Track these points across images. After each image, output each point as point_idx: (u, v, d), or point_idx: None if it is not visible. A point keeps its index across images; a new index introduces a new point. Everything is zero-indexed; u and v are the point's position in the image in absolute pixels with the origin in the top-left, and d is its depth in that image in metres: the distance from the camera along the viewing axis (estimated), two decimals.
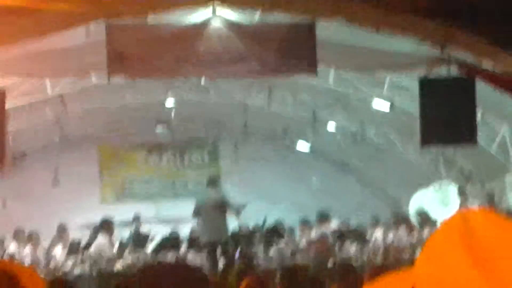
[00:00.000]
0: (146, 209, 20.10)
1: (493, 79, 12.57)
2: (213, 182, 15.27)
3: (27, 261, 14.77)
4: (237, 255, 14.80)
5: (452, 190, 18.13)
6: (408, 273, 1.36)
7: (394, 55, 13.31)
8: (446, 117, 12.88)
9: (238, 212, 14.71)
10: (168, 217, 21.24)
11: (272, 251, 16.27)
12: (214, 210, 14.24)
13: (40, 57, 12.41)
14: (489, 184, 18.15)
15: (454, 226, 1.30)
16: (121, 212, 18.45)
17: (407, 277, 1.35)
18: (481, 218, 1.30)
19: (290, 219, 18.62)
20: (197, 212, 14.55)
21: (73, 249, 15.35)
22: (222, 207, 14.32)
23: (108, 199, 22.56)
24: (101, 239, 14.54)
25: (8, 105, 12.57)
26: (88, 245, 15.08)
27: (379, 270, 6.37)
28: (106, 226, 14.78)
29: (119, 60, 11.81)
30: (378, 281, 1.45)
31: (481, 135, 14.83)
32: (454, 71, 12.96)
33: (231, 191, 17.10)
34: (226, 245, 14.44)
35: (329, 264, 14.55)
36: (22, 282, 1.52)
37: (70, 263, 15.13)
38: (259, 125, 21.16)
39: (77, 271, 14.89)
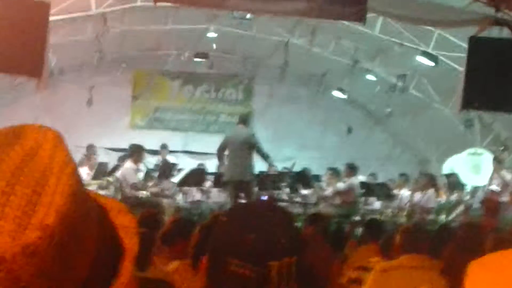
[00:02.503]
0: (174, 140, 20.10)
1: None
2: (244, 120, 14.97)
3: None
4: (262, 197, 14.66)
5: (486, 158, 17.82)
6: None
7: (447, 10, 12.96)
8: (492, 81, 12.56)
9: (267, 156, 14.40)
10: (196, 151, 21.26)
11: (297, 197, 16.21)
12: (241, 148, 13.97)
13: None
14: None
15: None
16: (149, 140, 18.44)
17: None
18: None
19: (318, 166, 18.53)
20: (223, 148, 14.27)
21: (100, 171, 15.31)
22: (250, 146, 14.07)
23: (137, 124, 22.59)
24: (129, 164, 14.45)
25: (51, 18, 12.43)
26: (115, 169, 15.03)
27: (410, 230, 6.28)
28: (135, 152, 14.65)
29: None
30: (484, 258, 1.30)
31: None
32: (506, 33, 12.61)
33: (262, 131, 16.99)
34: (249, 186, 14.22)
35: (354, 217, 14.47)
36: (113, 218, 1.39)
37: (95, 185, 15.11)
38: (298, 66, 20.92)
39: (100, 194, 14.85)
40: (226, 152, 14.30)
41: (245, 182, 14.03)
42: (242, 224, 2.12)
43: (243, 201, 14.04)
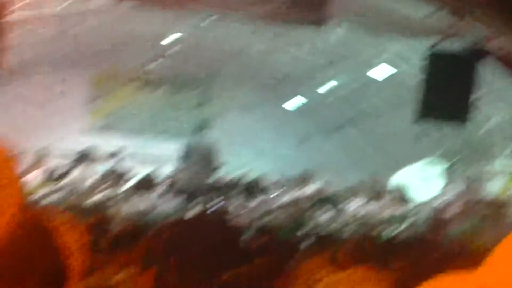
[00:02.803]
0: (129, 144, 19.95)
1: (503, 60, 12.40)
2: (203, 126, 15.02)
3: None
4: (214, 207, 14.64)
5: (437, 169, 18.02)
6: (472, 274, 1.23)
7: (407, 20, 13.09)
8: (448, 92, 12.72)
9: (221, 164, 14.40)
10: (151, 155, 21.14)
11: (249, 206, 16.19)
12: (201, 155, 13.99)
13: None
14: (473, 168, 18.09)
15: None
16: (103, 144, 18.29)
17: (471, 279, 1.23)
18: None
19: (271, 175, 18.56)
20: (184, 153, 14.28)
21: (49, 177, 15.13)
22: (210, 153, 14.08)
23: (93, 128, 22.38)
24: (79, 170, 14.33)
25: (9, 18, 12.31)
26: (64, 174, 14.87)
27: (359, 242, 6.31)
28: (86, 157, 14.55)
29: None
30: (436, 281, 1.32)
31: (473, 118, 14.66)
32: (464, 46, 12.75)
33: (217, 138, 16.95)
34: (205, 193, 14.19)
35: (300, 229, 14.49)
36: (60, 235, 1.39)
37: (43, 190, 14.87)
38: (255, 74, 20.95)
39: (49, 200, 14.66)
40: (184, 158, 14.31)
41: (202, 189, 14.03)
42: (187, 239, 2.12)
43: (197, 208, 14.03)
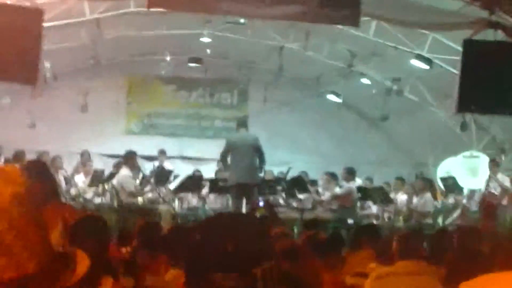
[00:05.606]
0: (169, 145, 20.04)
1: None
2: (245, 124, 15.04)
3: None
4: (261, 202, 14.63)
5: (482, 160, 17.79)
6: None
7: (441, 13, 12.96)
8: (487, 83, 12.52)
9: (265, 161, 14.44)
10: (191, 156, 21.22)
11: (294, 202, 16.18)
12: (246, 152, 14.00)
13: None
14: None
15: None
16: (144, 146, 18.41)
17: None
18: None
19: (313, 170, 18.51)
20: (226, 152, 14.28)
21: (96, 179, 15.28)
22: (255, 150, 14.09)
23: (132, 130, 22.52)
24: (125, 171, 14.43)
25: (44, 24, 12.42)
26: (111, 176, 15.00)
27: (407, 235, 6.26)
28: (130, 158, 14.64)
29: None
30: (485, 278, 1.30)
31: None
32: (500, 36, 12.60)
33: (258, 135, 16.95)
34: (253, 190, 14.21)
35: (350, 221, 14.48)
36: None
37: (90, 192, 15.05)
38: (292, 70, 20.89)
39: (97, 201, 14.83)
40: (226, 157, 14.33)
41: (250, 186, 14.04)
42: (219, 237, 2.11)
43: (244, 205, 14.06)
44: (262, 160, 14.24)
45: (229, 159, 14.21)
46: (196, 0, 12.16)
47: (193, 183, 15.90)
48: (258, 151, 14.08)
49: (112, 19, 17.32)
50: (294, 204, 16.00)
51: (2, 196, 1.55)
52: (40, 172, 5.32)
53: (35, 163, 6.02)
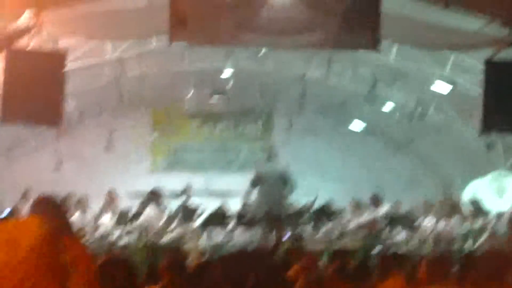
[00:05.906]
0: (195, 180, 20.07)
1: None
2: (270, 155, 15.01)
3: (74, 227, 14.65)
4: (287, 234, 14.53)
5: (508, 181, 17.62)
6: None
7: (461, 34, 12.92)
8: (508, 103, 12.43)
9: (291, 191, 14.37)
10: (218, 190, 21.20)
11: (320, 232, 16.06)
12: (274, 183, 13.96)
13: (102, 19, 12.36)
14: None
15: None
16: (170, 182, 18.40)
17: None
18: None
19: (340, 197, 18.41)
20: (255, 183, 14.23)
21: (122, 218, 15.28)
22: (285, 182, 14.04)
23: (158, 167, 22.57)
24: (150, 210, 14.44)
25: (68, 66, 12.58)
26: (137, 215, 15.00)
27: (435, 261, 6.21)
28: (155, 197, 14.66)
29: (181, 24, 11.63)
30: None
31: None
32: None
33: (285, 164, 16.91)
34: (282, 222, 14.12)
35: (378, 248, 14.35)
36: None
37: (117, 232, 15.07)
38: (315, 98, 20.91)
39: (124, 241, 14.83)
40: (254, 189, 14.28)
41: (278, 218, 13.97)
42: (238, 274, 2.13)
43: (270, 238, 13.96)
44: (290, 191, 14.19)
45: (257, 191, 14.17)
46: (218, 33, 12.21)
47: (217, 218, 15.85)
48: (287, 182, 14.03)
49: (134, 57, 17.50)
50: (321, 233, 15.88)
51: (20, 248, 1.57)
52: (48, 210, 5.28)
53: (41, 201, 5.98)
